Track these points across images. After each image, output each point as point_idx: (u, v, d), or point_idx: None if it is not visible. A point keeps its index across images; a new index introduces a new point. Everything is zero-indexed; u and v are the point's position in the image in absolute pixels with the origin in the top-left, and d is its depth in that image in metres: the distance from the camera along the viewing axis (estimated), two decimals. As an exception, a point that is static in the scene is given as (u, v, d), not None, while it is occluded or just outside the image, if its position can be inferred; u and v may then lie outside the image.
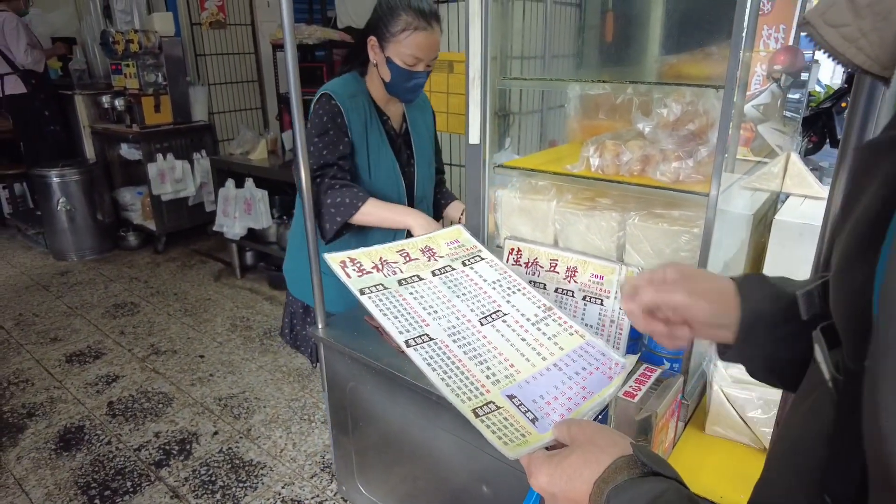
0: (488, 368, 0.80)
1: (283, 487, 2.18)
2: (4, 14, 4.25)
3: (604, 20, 2.48)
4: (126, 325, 3.47)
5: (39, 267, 4.39)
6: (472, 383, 0.77)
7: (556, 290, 1.10)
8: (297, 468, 2.27)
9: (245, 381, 2.87)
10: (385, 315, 0.87)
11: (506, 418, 0.73)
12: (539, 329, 0.88)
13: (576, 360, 0.84)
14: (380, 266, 0.96)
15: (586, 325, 1.03)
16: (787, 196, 1.49)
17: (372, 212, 1.51)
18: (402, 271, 0.96)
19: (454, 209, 1.86)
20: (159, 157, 4.26)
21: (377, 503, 1.68)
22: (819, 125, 4.75)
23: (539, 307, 0.92)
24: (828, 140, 4.75)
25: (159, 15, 4.21)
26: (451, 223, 1.85)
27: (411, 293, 0.91)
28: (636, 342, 1.15)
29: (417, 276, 0.94)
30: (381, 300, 0.89)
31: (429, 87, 2.24)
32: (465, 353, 0.82)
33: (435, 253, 1.00)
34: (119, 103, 4.33)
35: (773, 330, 0.65)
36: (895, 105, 0.47)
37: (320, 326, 1.60)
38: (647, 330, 0.72)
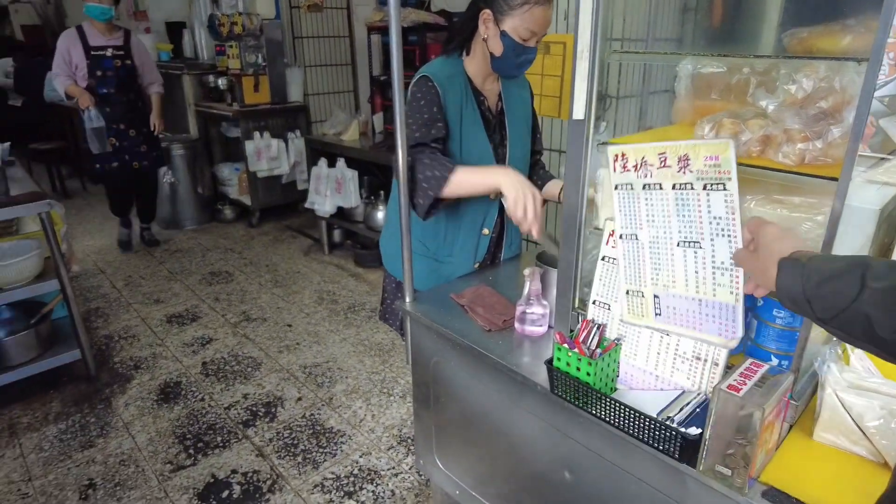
0: (657, 273, 1.08)
1: (360, 457, 2.24)
2: (132, 34, 3.88)
3: (713, -1, 2.34)
4: (220, 292, 3.68)
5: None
6: (640, 276, 1.11)
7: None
8: (374, 439, 2.33)
9: (329, 351, 2.98)
10: (620, 211, 1.11)
11: (641, 304, 1.11)
12: (713, 274, 1.02)
13: (715, 309, 1.03)
14: (639, 166, 1.06)
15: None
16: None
17: (462, 180, 1.49)
18: (651, 175, 1.05)
19: (554, 186, 1.80)
20: (256, 135, 4.47)
21: (454, 480, 1.69)
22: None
23: (730, 260, 1.00)
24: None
25: (262, -2, 4.39)
26: (547, 202, 1.81)
27: (646, 199, 1.07)
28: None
29: (660, 185, 1.04)
30: (622, 199, 1.10)
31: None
32: (650, 256, 1.09)
33: (689, 165, 1.00)
34: (222, 83, 4.57)
35: None
36: None
37: (408, 300, 1.62)
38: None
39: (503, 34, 1.47)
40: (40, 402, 2.58)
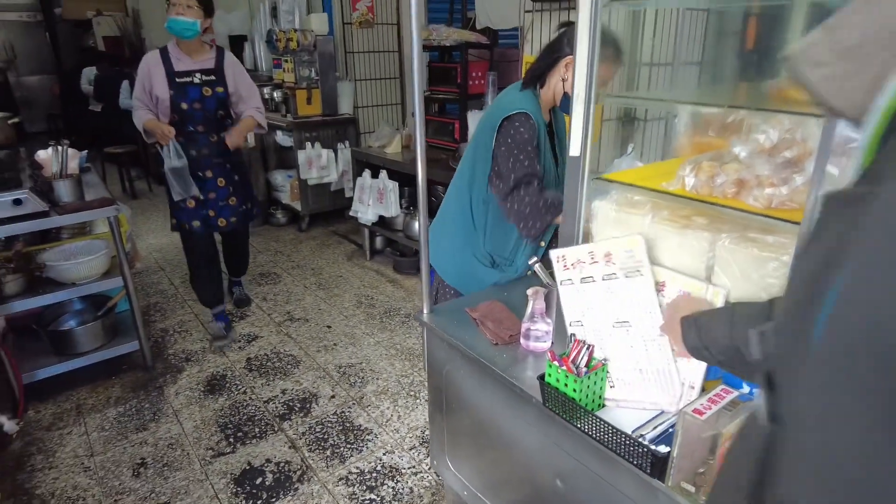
0: (602, 351, 1.27)
1: (384, 454, 2.39)
2: (226, 53, 3.02)
3: (745, 27, 2.37)
4: (268, 292, 3.92)
5: (205, 235, 5.06)
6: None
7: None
8: (399, 439, 2.47)
9: (363, 353, 3.15)
10: (566, 304, 1.29)
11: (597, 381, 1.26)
12: (645, 346, 1.21)
13: (654, 375, 1.22)
14: (575, 265, 1.25)
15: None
16: None
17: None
18: (585, 270, 1.24)
19: None
20: (308, 145, 4.71)
21: (463, 481, 1.81)
22: None
23: (656, 330, 1.18)
24: None
25: (316, 15, 4.64)
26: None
27: (584, 291, 1.26)
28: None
29: (592, 278, 1.23)
30: (566, 293, 1.29)
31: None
32: (595, 338, 1.28)
33: (611, 258, 1.20)
34: (277, 95, 4.84)
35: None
36: (863, 157, 0.44)
37: (425, 312, 1.76)
38: None
39: None
40: (103, 387, 2.86)
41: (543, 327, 1.53)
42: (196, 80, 2.84)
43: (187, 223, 3.02)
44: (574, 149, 1.26)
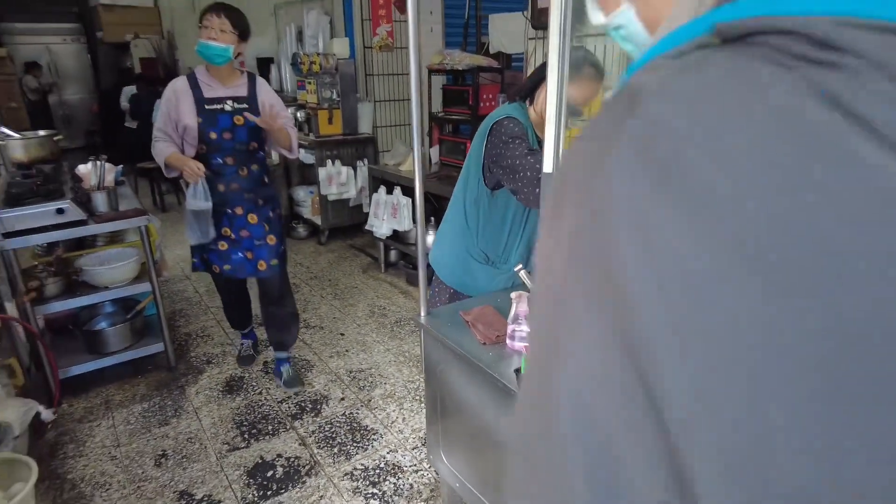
0: None
1: (388, 453, 2.53)
2: (259, 79, 2.75)
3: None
4: (286, 301, 4.12)
5: (229, 246, 5.30)
6: None
7: None
8: (402, 439, 2.61)
9: (373, 359, 3.31)
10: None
11: None
12: None
13: None
14: None
15: None
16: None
17: None
18: None
19: None
20: (328, 162, 4.94)
21: (455, 474, 1.95)
22: None
23: None
24: None
25: (338, 40, 4.89)
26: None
27: None
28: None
29: None
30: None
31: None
32: None
33: None
34: (301, 115, 5.09)
35: None
36: None
37: (422, 314, 1.91)
38: None
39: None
40: (130, 384, 3.06)
41: (527, 328, 1.67)
42: (227, 108, 2.58)
43: (219, 266, 2.77)
44: (547, 166, 1.41)
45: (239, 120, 2.60)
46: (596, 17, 0.50)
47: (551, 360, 0.31)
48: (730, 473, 0.25)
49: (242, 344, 3.35)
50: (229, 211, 2.69)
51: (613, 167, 0.29)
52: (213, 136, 2.58)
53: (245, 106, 2.62)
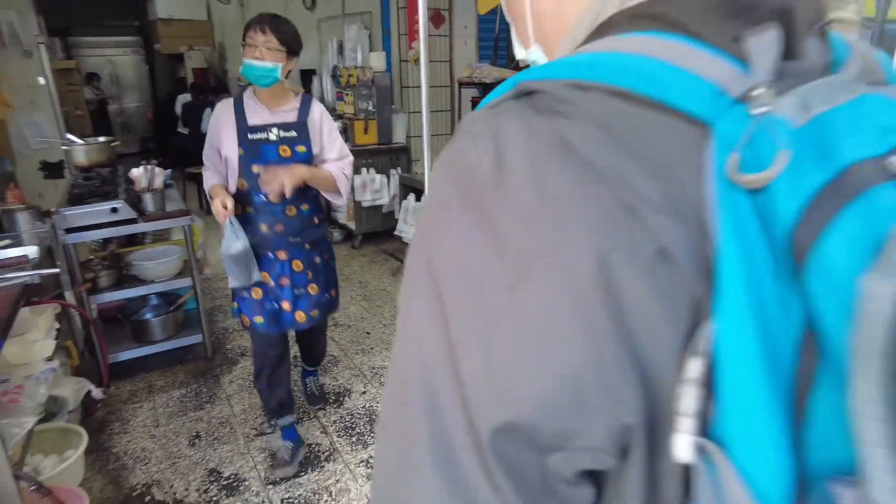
0: None
1: (402, 444, 2.68)
2: (314, 102, 2.37)
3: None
4: (318, 301, 4.33)
5: (268, 248, 5.58)
6: None
7: None
8: (416, 432, 2.76)
9: (394, 359, 3.47)
10: None
11: None
12: None
13: None
14: None
15: None
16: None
17: None
18: None
19: None
20: (363, 170, 5.17)
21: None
22: None
23: None
24: None
25: (375, 54, 5.13)
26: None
27: None
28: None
29: None
30: None
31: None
32: None
33: None
34: (338, 125, 5.34)
35: None
36: None
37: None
38: None
39: None
40: (170, 372, 3.32)
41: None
42: (272, 137, 2.21)
43: (249, 318, 2.33)
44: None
45: (285, 151, 2.23)
46: (520, 52, 0.65)
47: (404, 323, 0.45)
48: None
49: (280, 442, 2.54)
50: (271, 255, 2.30)
51: (437, 182, 0.43)
52: (256, 170, 2.18)
53: (293, 134, 2.24)
